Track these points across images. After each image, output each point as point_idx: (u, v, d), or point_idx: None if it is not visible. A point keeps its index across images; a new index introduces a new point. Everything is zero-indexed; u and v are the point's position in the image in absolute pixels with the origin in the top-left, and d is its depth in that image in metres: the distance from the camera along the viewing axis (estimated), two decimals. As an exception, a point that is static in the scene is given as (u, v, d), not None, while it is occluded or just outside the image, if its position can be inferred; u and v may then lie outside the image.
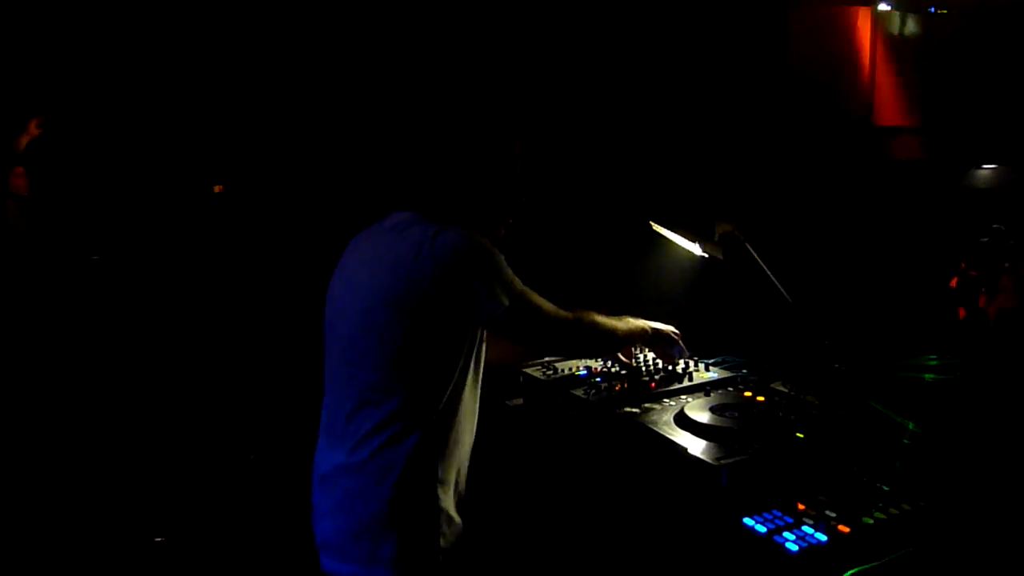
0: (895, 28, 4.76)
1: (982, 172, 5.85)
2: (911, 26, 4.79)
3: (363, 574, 1.46)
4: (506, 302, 1.47)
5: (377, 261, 1.49)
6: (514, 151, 1.63)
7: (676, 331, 1.97)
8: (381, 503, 1.45)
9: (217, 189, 2.69)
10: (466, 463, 1.59)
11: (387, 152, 2.83)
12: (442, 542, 1.49)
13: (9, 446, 2.66)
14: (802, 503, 1.42)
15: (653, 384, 1.93)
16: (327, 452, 1.56)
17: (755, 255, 2.06)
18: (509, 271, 1.50)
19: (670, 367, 2.05)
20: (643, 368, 2.06)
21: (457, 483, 1.55)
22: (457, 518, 1.53)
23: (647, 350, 2.07)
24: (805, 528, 1.34)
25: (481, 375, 1.61)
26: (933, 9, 4.88)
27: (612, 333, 1.77)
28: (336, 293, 1.59)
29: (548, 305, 1.57)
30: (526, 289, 1.53)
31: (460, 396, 1.52)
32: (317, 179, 3.01)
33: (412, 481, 1.46)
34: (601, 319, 1.72)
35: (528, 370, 2.14)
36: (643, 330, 1.88)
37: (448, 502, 1.51)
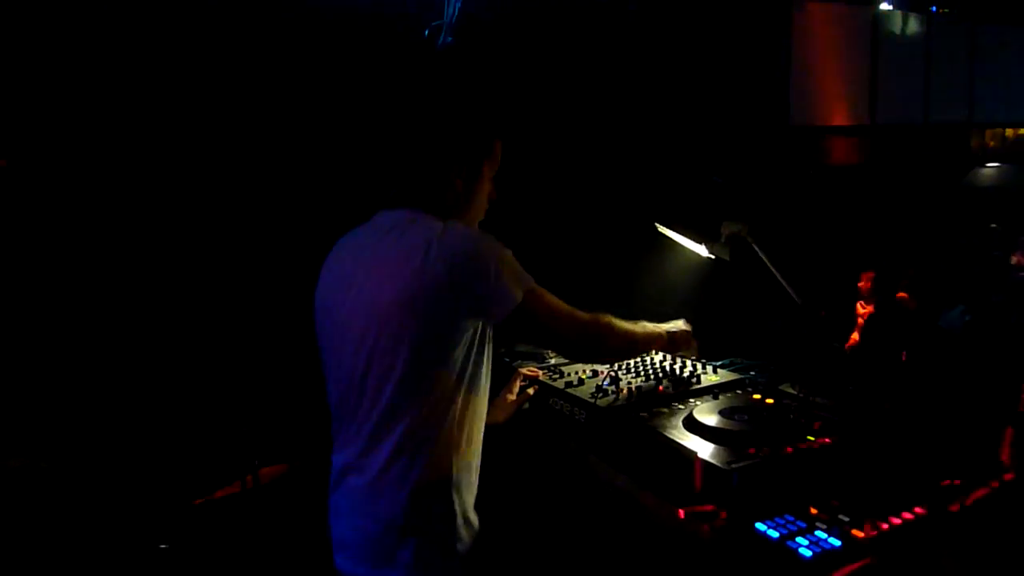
0: (896, 28, 4.75)
1: (985, 171, 5.84)
2: (912, 26, 4.78)
3: None
4: (519, 297, 1.44)
5: (381, 263, 1.45)
6: (496, 146, 1.61)
7: (688, 326, 1.93)
8: (399, 507, 1.42)
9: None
10: (478, 462, 1.57)
11: (372, 147, 2.78)
12: (459, 546, 1.47)
13: (7, 448, 2.63)
14: (815, 507, 1.40)
15: (661, 388, 1.91)
16: (342, 453, 1.53)
17: (763, 256, 2.04)
18: (519, 267, 1.47)
19: (678, 368, 2.03)
20: (651, 372, 2.04)
21: (472, 483, 1.53)
22: (474, 519, 1.51)
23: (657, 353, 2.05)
24: (818, 533, 1.32)
25: (490, 375, 1.59)
26: (935, 8, 4.87)
27: (631, 338, 1.71)
28: (334, 298, 1.54)
29: (563, 305, 1.54)
30: (539, 287, 1.50)
31: (473, 396, 1.50)
32: (297, 175, 2.93)
33: (429, 484, 1.44)
34: (619, 323, 1.66)
35: (534, 374, 2.12)
36: (660, 336, 1.83)
37: (464, 504, 1.49)
